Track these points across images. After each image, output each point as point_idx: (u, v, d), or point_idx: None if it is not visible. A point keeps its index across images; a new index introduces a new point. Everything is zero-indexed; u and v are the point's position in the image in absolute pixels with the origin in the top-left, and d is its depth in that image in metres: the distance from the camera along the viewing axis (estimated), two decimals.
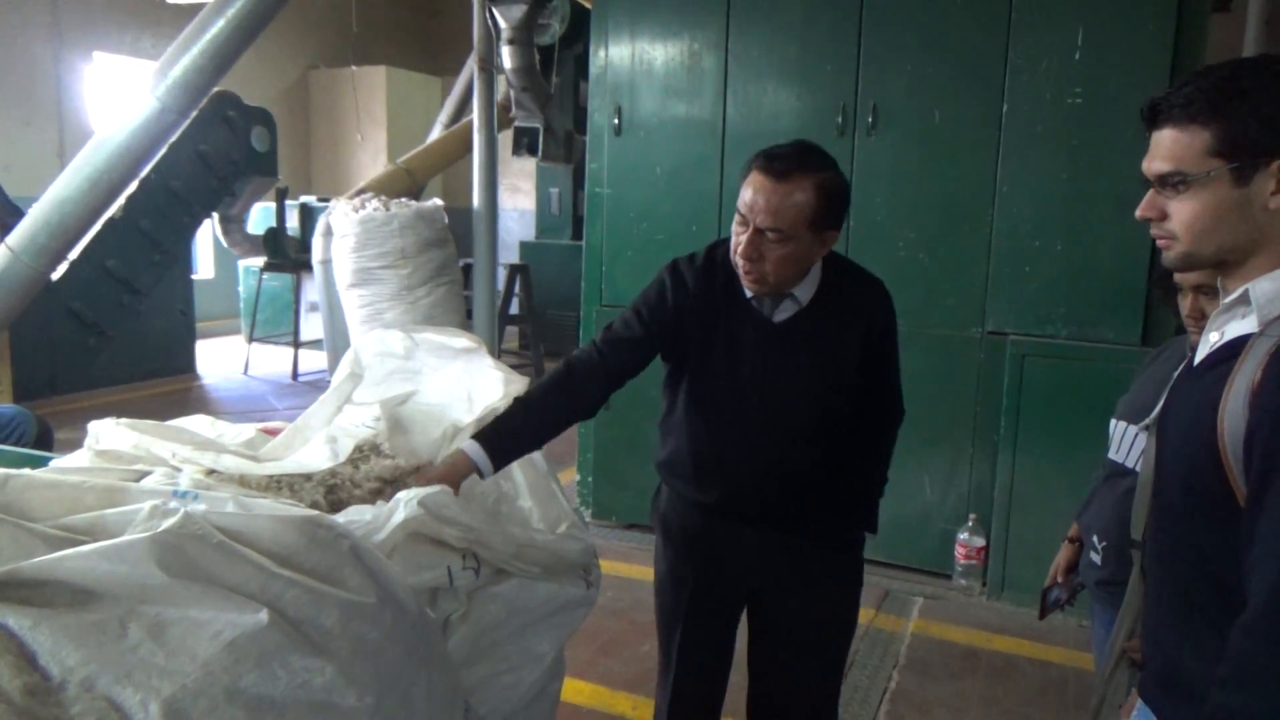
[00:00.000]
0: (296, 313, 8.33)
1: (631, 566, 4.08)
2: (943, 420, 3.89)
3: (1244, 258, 1.12)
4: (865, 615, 3.62)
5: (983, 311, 3.81)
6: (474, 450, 1.71)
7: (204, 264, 10.64)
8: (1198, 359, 1.21)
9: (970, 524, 3.85)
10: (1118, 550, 1.87)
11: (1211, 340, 1.19)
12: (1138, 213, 1.18)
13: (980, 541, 3.83)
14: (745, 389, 1.87)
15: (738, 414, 1.89)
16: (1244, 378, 1.05)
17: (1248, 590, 1.04)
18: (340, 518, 1.45)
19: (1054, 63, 3.58)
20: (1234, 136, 1.07)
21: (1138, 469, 1.78)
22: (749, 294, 1.84)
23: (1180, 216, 1.13)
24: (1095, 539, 1.99)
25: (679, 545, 2.08)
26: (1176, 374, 1.35)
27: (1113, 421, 2.02)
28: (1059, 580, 2.17)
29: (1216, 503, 1.10)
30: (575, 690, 2.99)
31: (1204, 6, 3.46)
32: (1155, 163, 1.14)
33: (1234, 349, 1.11)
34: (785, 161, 1.69)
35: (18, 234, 5.28)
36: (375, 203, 6.41)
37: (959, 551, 3.87)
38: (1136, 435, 1.88)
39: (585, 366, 1.86)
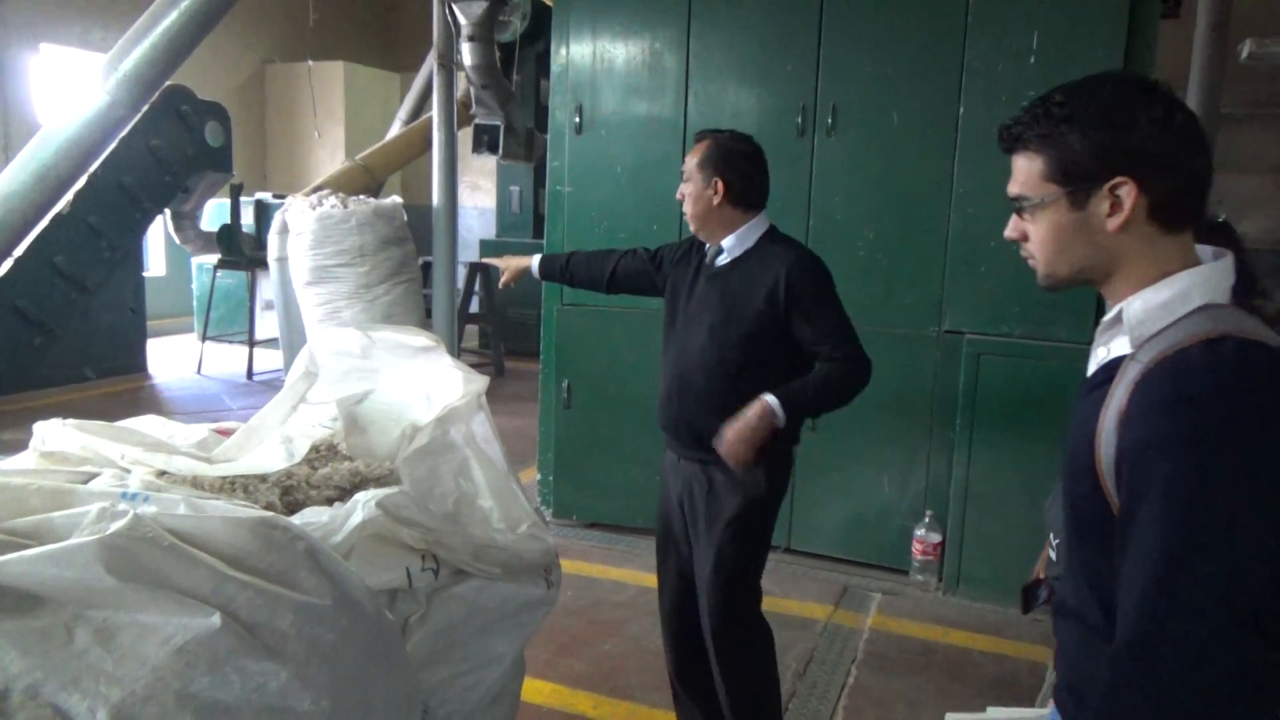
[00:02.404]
0: (251, 311, 8.20)
1: (593, 565, 4.08)
2: (900, 418, 3.94)
3: (1104, 277, 1.13)
4: (824, 611, 3.65)
5: (939, 311, 3.86)
6: (534, 258, 2.77)
7: (155, 261, 10.43)
8: (1089, 373, 1.20)
9: (927, 520, 3.90)
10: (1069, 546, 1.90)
11: (1099, 356, 1.18)
12: (1005, 234, 1.20)
13: (937, 537, 3.88)
14: (681, 318, 2.38)
15: (672, 339, 2.41)
16: (1116, 401, 1.05)
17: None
18: (296, 519, 1.43)
19: (1009, 66, 3.64)
20: (1064, 163, 1.09)
21: None
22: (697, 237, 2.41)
23: (1034, 239, 1.15)
24: (1052, 536, 2.02)
25: (661, 476, 2.55)
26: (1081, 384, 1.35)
27: None
28: (1041, 577, 2.20)
29: (1099, 526, 1.08)
30: (535, 690, 2.98)
31: (1154, 13, 3.54)
32: (1010, 185, 1.17)
33: (1113, 370, 1.10)
34: (702, 131, 2.38)
35: None
36: (333, 200, 6.34)
37: (916, 547, 3.92)
38: None
39: (617, 251, 2.66)
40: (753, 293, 2.26)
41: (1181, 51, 6.38)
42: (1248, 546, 0.93)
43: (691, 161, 2.31)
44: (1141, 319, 1.08)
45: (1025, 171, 1.14)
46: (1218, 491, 0.94)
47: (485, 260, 3.19)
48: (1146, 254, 1.09)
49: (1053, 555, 2.02)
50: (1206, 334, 1.01)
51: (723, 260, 2.33)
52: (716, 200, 2.28)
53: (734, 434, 2.17)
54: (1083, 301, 3.64)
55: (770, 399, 2.18)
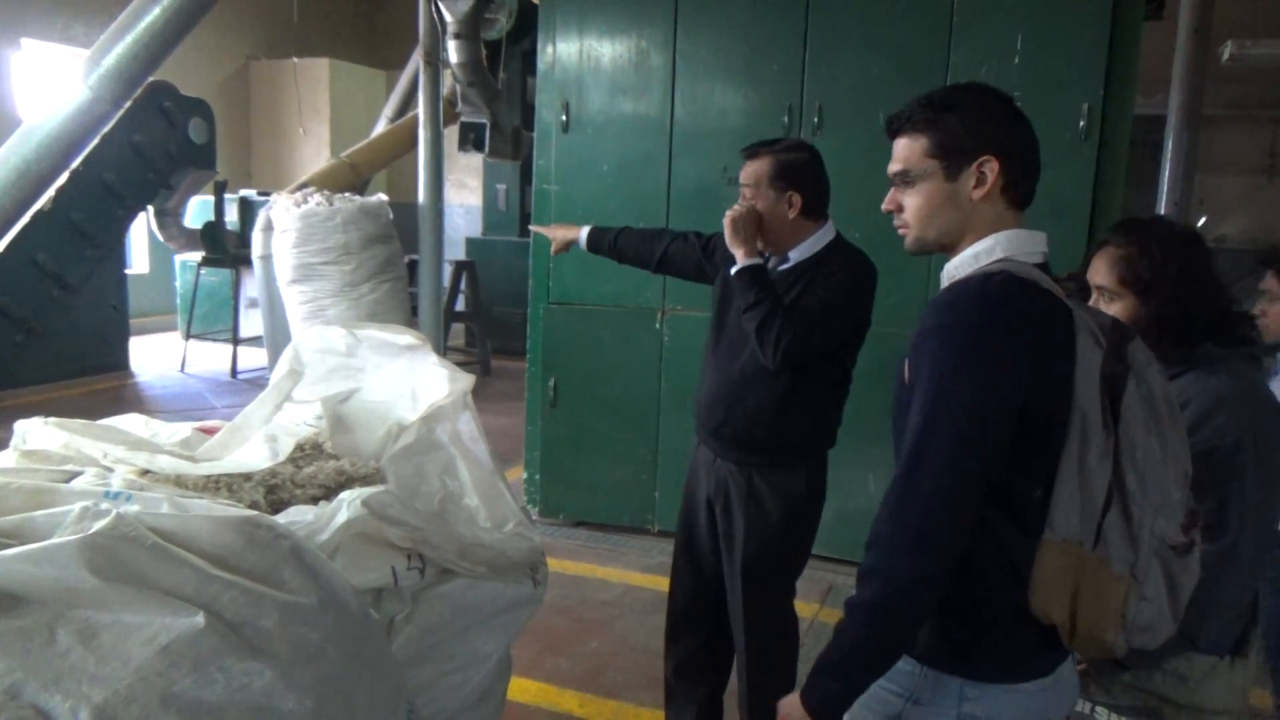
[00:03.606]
0: (235, 309, 8.16)
1: (579, 564, 4.08)
2: (885, 417, 3.94)
3: (958, 241, 1.34)
4: (809, 609, 3.66)
5: (924, 310, 3.87)
6: (583, 229, 2.74)
7: (139, 258, 10.36)
8: None
9: None
10: None
11: None
12: (883, 206, 1.41)
13: None
14: (732, 319, 2.30)
15: (721, 339, 2.37)
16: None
17: None
18: (281, 518, 1.42)
19: (994, 66, 3.65)
20: (944, 141, 1.32)
21: None
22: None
23: (910, 207, 1.36)
24: None
25: (688, 473, 2.53)
26: None
27: None
28: None
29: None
30: (522, 689, 2.97)
31: (1137, 15, 3.57)
32: (892, 165, 1.38)
33: None
34: (754, 146, 2.32)
35: None
36: (318, 197, 6.32)
37: None
38: None
39: (669, 233, 2.66)
40: (796, 300, 2.26)
41: (1164, 53, 6.43)
42: (971, 422, 1.19)
43: (754, 178, 2.27)
44: (956, 266, 1.34)
45: (908, 150, 1.35)
46: (957, 375, 1.20)
47: (532, 227, 3.28)
48: (992, 222, 1.32)
49: None
50: (988, 270, 1.27)
51: (784, 267, 2.30)
52: (793, 214, 2.26)
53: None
54: None
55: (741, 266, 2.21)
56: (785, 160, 2.25)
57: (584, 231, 2.75)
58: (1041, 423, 1.21)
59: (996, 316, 1.21)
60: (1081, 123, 3.58)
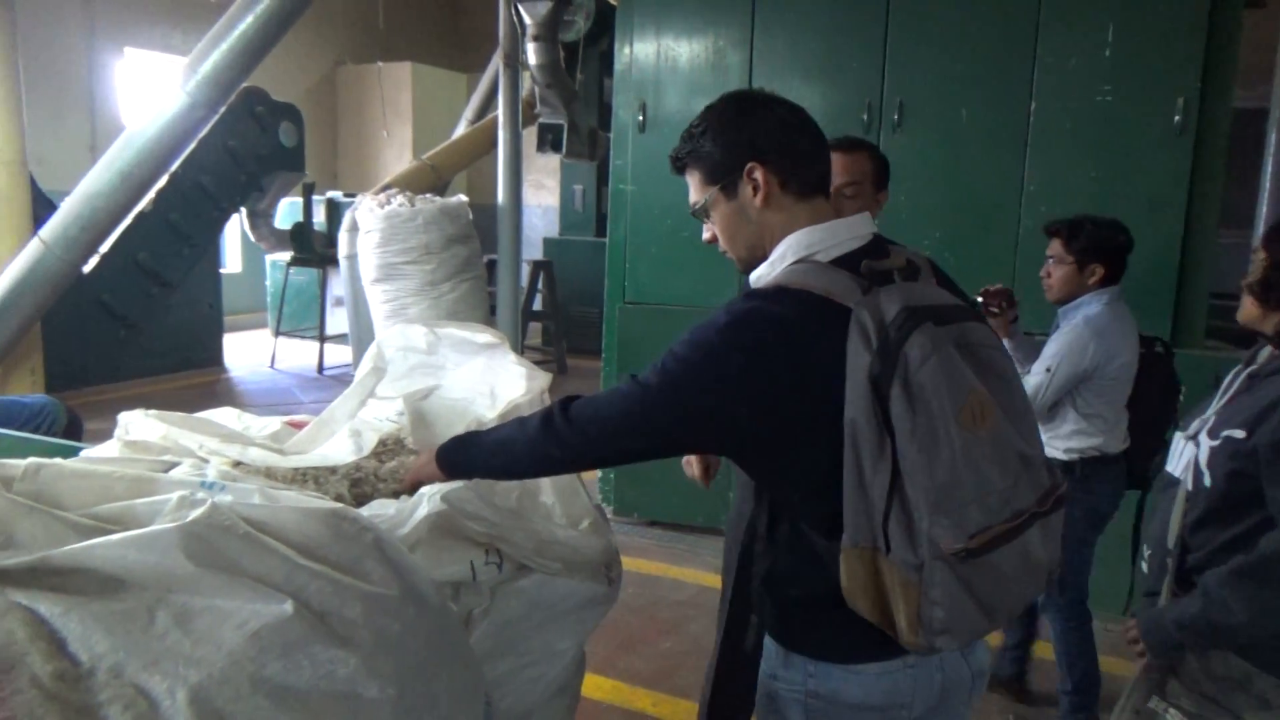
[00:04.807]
0: (322, 307, 8.39)
1: (653, 563, 4.09)
2: None
3: (765, 252, 1.37)
4: None
5: None
6: None
7: (232, 258, 10.74)
8: None
9: None
10: (1160, 560, 1.84)
11: None
12: (703, 238, 1.46)
13: None
14: None
15: None
16: None
17: None
18: (365, 511, 1.46)
19: (1083, 60, 3.54)
20: (710, 167, 1.37)
21: (1180, 477, 1.78)
22: None
23: (719, 235, 1.42)
24: (1145, 549, 1.96)
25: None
26: None
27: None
28: None
29: None
30: (595, 686, 3.00)
31: (1236, 3, 3.41)
32: (690, 201, 1.43)
33: None
34: (851, 140, 2.31)
35: (50, 227, 5.36)
36: (400, 198, 6.45)
37: None
38: (1185, 445, 1.85)
39: None
40: None
41: (1266, 43, 6.13)
42: (658, 424, 1.30)
43: (862, 174, 2.26)
44: (759, 276, 1.37)
45: (692, 184, 1.42)
46: (668, 379, 1.28)
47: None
48: (787, 221, 1.35)
49: (1144, 568, 1.96)
50: (769, 284, 1.30)
51: None
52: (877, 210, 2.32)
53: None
54: (1159, 303, 3.54)
55: None
56: (884, 160, 2.32)
57: None
58: (813, 436, 1.22)
59: (727, 335, 1.26)
60: (1177, 117, 3.44)
